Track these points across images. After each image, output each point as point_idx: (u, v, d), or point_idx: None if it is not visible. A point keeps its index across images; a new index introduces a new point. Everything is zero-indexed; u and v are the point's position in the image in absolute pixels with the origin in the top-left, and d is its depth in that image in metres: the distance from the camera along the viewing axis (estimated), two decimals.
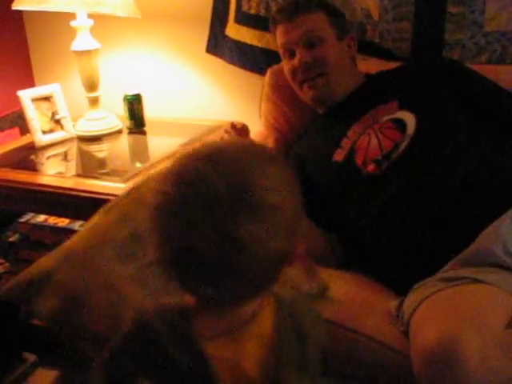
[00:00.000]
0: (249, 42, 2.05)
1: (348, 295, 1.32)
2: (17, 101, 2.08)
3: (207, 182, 0.72)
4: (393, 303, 1.26)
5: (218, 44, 2.15)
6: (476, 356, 0.96)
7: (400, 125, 1.46)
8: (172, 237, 0.74)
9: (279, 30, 1.67)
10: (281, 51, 1.69)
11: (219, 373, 0.77)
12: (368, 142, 1.47)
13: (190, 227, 0.72)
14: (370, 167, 1.44)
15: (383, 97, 1.56)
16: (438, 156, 1.38)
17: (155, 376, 0.78)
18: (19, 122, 2.30)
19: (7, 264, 1.85)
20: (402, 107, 1.50)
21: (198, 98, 2.28)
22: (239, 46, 2.08)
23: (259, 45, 2.01)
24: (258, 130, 1.89)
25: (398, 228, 1.35)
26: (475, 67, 1.62)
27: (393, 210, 1.37)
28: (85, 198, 1.68)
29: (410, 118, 1.45)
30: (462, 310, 1.05)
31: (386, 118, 1.49)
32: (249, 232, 0.71)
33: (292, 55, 1.65)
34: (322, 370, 0.86)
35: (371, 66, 1.77)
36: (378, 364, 1.23)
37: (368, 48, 1.87)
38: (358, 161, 1.47)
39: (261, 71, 1.99)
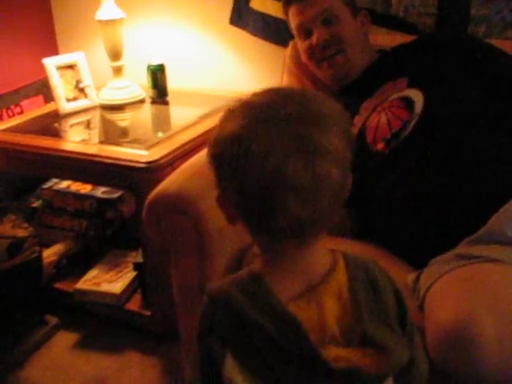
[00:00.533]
0: (273, 14, 2.05)
1: None
2: (41, 69, 2.10)
3: (276, 107, 0.75)
4: (410, 276, 1.26)
5: (241, 16, 2.14)
6: (491, 338, 0.95)
7: (408, 103, 1.46)
8: (256, 162, 0.72)
9: (293, 11, 1.67)
10: (295, 32, 1.69)
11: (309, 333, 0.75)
12: (378, 121, 1.48)
13: (272, 148, 0.71)
14: (380, 146, 1.44)
15: (393, 73, 1.56)
16: (446, 135, 1.38)
17: (243, 348, 0.76)
18: (43, 90, 2.33)
19: (31, 228, 1.88)
20: (410, 84, 1.50)
21: (220, 70, 2.29)
22: (263, 17, 2.08)
23: (283, 17, 2.00)
24: None
25: (408, 206, 1.35)
26: (501, 43, 1.60)
27: (402, 188, 1.37)
28: (108, 164, 1.70)
29: (418, 97, 1.45)
30: (479, 290, 1.04)
31: (394, 96, 1.50)
32: (330, 141, 0.73)
33: (308, 34, 1.65)
34: (399, 319, 0.83)
35: (394, 40, 1.76)
36: None
37: (392, 22, 1.86)
38: (369, 139, 1.48)
39: (284, 43, 1.99)
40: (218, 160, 0.77)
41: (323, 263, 0.80)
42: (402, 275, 1.29)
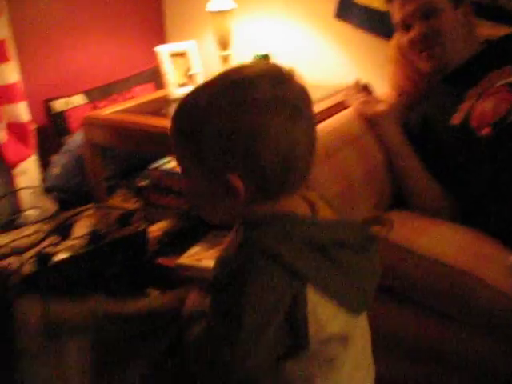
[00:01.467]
0: (377, 6, 2.09)
1: (468, 245, 1.36)
2: (151, 58, 2.22)
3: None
4: (511, 257, 1.29)
5: (346, 9, 2.20)
6: None
7: None
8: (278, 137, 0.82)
9: (395, 6, 1.70)
10: (397, 26, 1.73)
11: None
12: (483, 106, 1.50)
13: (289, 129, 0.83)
14: (485, 130, 1.47)
15: (500, 61, 1.57)
16: None
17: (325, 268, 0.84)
18: (154, 77, 2.45)
19: (140, 203, 1.97)
20: None
21: (323, 62, 2.34)
22: (367, 11, 2.13)
23: (387, 9, 2.04)
24: (385, 91, 1.93)
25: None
26: None
27: (506, 172, 1.40)
28: None
29: None
30: None
31: (501, 83, 1.51)
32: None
33: (409, 28, 1.68)
34: None
35: (500, 32, 1.75)
36: (494, 312, 1.27)
37: (499, 14, 1.86)
38: (474, 124, 1.50)
39: (389, 35, 2.01)
40: (231, 137, 0.82)
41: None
42: (502, 257, 1.32)
